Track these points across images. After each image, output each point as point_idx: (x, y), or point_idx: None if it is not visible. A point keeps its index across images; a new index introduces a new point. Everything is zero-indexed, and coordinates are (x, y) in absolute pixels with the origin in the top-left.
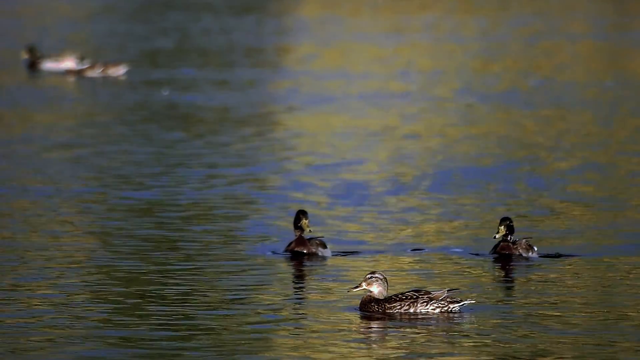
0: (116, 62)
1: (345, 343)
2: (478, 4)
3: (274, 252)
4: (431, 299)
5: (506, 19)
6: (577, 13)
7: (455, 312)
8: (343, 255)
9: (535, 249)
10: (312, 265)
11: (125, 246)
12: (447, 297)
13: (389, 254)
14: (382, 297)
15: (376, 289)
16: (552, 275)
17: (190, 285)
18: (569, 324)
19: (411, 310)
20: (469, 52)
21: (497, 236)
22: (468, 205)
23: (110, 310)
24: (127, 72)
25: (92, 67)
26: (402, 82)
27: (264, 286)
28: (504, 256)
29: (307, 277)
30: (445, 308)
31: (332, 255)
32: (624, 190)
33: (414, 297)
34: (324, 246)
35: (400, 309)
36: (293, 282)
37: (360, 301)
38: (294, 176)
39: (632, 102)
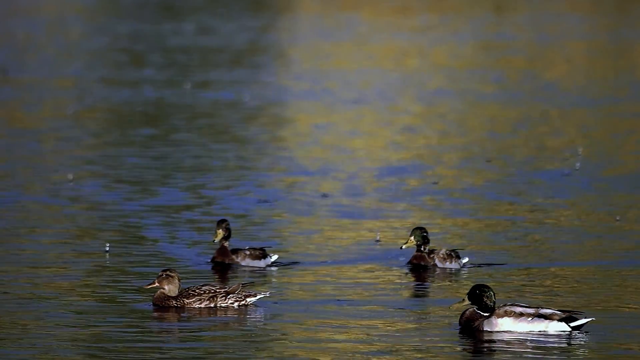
0: None
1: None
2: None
3: (208, 262)
4: (228, 293)
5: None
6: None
7: (250, 305)
8: (282, 266)
9: (464, 259)
10: (223, 275)
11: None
12: (242, 290)
13: (325, 265)
14: (173, 294)
15: (167, 287)
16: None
17: (110, 287)
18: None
19: (212, 305)
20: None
21: (403, 247)
22: (427, 212)
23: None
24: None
25: None
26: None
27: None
28: (416, 266)
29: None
30: (243, 302)
31: (268, 267)
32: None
33: (212, 291)
34: (262, 257)
35: (200, 303)
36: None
37: (153, 297)
38: (259, 181)
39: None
